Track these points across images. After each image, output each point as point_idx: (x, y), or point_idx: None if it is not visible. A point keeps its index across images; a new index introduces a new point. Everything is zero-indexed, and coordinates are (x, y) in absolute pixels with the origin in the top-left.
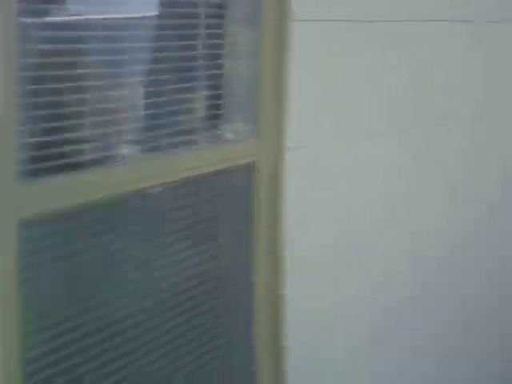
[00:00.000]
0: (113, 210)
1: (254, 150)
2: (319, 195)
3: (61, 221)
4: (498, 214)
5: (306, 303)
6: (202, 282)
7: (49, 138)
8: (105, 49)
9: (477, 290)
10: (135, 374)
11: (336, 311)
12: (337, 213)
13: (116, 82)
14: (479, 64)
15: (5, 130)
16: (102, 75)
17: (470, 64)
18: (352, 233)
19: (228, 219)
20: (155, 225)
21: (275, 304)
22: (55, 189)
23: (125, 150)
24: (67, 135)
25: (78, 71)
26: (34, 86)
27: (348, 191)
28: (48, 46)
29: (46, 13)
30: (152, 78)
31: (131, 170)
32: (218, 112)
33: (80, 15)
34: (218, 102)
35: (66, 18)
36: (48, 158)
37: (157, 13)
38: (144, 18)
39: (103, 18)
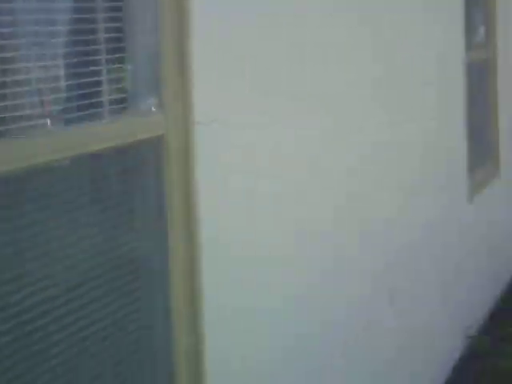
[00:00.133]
0: (16, 185)
1: (162, 124)
2: (233, 171)
3: None
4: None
5: (223, 295)
6: (110, 261)
7: None
8: (13, 21)
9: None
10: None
11: (256, 302)
12: (252, 192)
13: (20, 54)
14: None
15: None
16: (10, 48)
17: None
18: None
19: (138, 194)
20: (60, 200)
21: (191, 288)
22: None
23: (29, 123)
24: None
25: None
26: None
27: (268, 167)
28: None
29: None
30: (56, 51)
31: (35, 144)
32: (124, 86)
33: None
34: (123, 75)
35: None
36: None
37: None
38: None
39: None
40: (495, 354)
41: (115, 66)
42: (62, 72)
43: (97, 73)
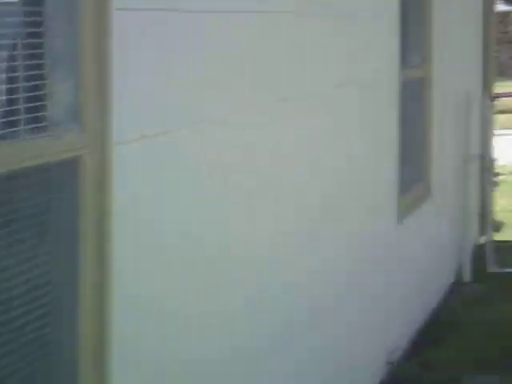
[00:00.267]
0: None
1: (80, 144)
2: (155, 193)
3: None
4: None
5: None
6: (22, 283)
7: None
8: None
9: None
10: None
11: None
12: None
13: None
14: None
15: None
16: None
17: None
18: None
19: (52, 215)
20: None
21: (100, 317)
22: None
23: None
24: None
25: None
26: None
27: (189, 183)
28: None
29: None
30: None
31: None
32: (43, 105)
33: None
34: (43, 93)
35: None
36: None
37: None
38: None
39: None
40: (415, 380)
41: (34, 84)
42: None
43: (15, 91)
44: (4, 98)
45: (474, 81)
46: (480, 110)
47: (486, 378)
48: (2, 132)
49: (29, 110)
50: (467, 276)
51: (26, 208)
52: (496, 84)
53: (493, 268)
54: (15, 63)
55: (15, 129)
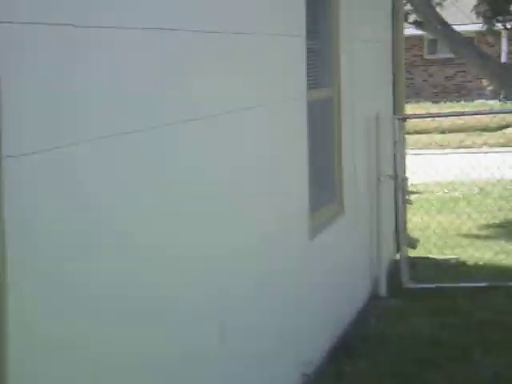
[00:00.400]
0: None
1: None
2: (49, 206)
3: None
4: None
5: None
6: None
7: None
8: None
9: None
10: None
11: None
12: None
13: None
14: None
15: None
16: None
17: None
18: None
19: None
20: None
21: None
22: None
23: None
24: None
25: None
26: None
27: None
28: None
29: None
30: None
31: None
32: None
33: None
34: None
35: None
36: None
37: None
38: None
39: None
40: None
41: None
42: None
43: None
44: None
45: (384, 103)
46: (392, 130)
47: None
48: None
49: None
50: (383, 291)
51: None
52: (412, 105)
53: (408, 283)
54: None
55: None
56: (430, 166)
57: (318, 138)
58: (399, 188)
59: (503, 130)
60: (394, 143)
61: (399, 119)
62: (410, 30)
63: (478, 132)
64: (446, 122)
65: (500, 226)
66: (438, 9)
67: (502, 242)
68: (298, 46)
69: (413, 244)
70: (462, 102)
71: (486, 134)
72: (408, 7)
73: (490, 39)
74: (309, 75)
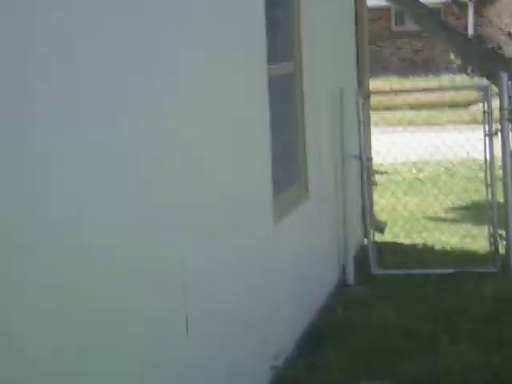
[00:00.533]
0: None
1: None
2: None
3: None
4: None
5: None
6: None
7: None
8: None
9: None
10: None
11: None
12: None
13: None
14: None
15: None
16: None
17: None
18: None
19: None
20: None
21: None
22: None
23: None
24: None
25: None
26: None
27: None
28: None
29: None
30: None
31: None
32: None
33: None
34: None
35: None
36: None
37: None
38: None
39: None
40: None
41: None
42: None
43: None
44: None
45: (348, 78)
46: (355, 108)
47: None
48: None
49: None
50: (350, 278)
51: None
52: (380, 79)
53: (376, 270)
54: None
55: None
56: (396, 145)
57: (283, 120)
58: (364, 168)
59: (472, 106)
60: (358, 121)
61: (362, 96)
62: (377, 1)
63: (445, 108)
64: (411, 99)
65: (466, 208)
66: None
67: (468, 226)
68: (257, 18)
69: (381, 228)
70: (430, 76)
71: (452, 110)
72: None
73: (456, 10)
74: (269, 49)
